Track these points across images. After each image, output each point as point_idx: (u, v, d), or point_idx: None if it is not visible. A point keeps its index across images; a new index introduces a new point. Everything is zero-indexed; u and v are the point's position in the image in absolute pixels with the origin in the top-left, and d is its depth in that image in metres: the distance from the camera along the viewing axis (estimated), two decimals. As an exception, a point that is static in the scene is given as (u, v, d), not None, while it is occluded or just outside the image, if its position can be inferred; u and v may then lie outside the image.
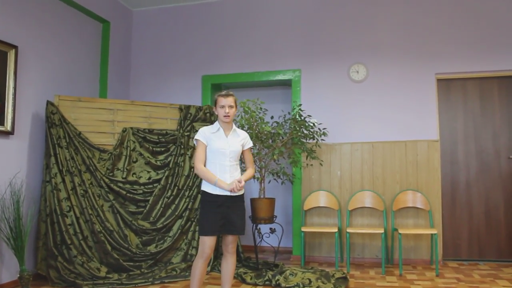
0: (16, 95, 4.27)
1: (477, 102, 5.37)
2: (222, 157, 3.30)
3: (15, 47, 4.26)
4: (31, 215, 4.30)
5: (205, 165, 3.34)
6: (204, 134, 3.35)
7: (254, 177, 5.06)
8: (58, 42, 4.96)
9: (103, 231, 4.50)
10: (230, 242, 3.34)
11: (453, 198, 5.34)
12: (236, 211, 3.29)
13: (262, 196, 4.97)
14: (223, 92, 3.37)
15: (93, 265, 4.38)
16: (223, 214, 3.26)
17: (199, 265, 3.26)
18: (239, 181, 3.22)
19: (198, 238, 4.78)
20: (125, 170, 4.78)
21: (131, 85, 6.30)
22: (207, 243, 3.24)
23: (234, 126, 3.43)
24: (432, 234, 5.01)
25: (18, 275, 4.00)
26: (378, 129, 5.43)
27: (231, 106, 3.31)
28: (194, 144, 4.35)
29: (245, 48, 5.95)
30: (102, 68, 5.73)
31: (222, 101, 3.31)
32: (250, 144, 3.49)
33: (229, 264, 3.38)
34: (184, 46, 6.17)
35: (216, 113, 3.36)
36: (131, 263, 4.57)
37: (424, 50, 5.39)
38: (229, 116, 3.30)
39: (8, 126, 4.18)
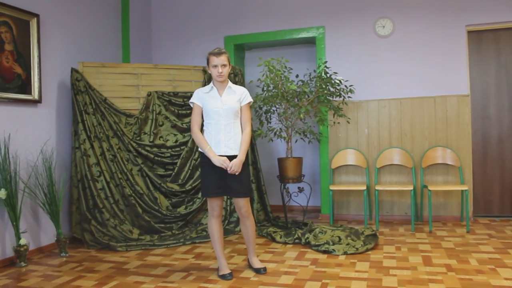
0: (41, 64, 4.29)
1: (510, 54, 5.14)
2: (216, 117, 3.24)
3: (37, 15, 4.24)
4: (64, 181, 4.40)
5: (202, 127, 3.33)
6: (198, 96, 3.32)
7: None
8: (78, 9, 4.91)
9: (133, 194, 4.59)
10: (241, 206, 3.32)
11: (484, 153, 5.22)
12: (234, 173, 3.22)
13: (289, 156, 4.96)
14: (215, 50, 3.24)
15: (126, 228, 4.50)
16: (221, 176, 3.23)
17: (213, 224, 3.35)
18: (236, 164, 3.18)
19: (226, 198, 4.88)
20: (151, 134, 4.81)
21: (154, 49, 6.26)
22: (213, 203, 3.30)
23: (229, 83, 3.33)
24: (462, 191, 4.94)
25: (56, 239, 4.15)
26: (406, 85, 5.29)
27: (224, 65, 3.22)
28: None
29: (267, 6, 5.80)
30: (123, 33, 5.68)
31: (215, 60, 3.21)
32: (247, 99, 3.35)
33: (247, 227, 3.40)
34: (205, 7, 6.05)
35: (210, 72, 3.28)
36: (162, 225, 4.67)
37: (453, 1, 5.15)
38: (222, 75, 3.22)
39: (35, 95, 4.22)
